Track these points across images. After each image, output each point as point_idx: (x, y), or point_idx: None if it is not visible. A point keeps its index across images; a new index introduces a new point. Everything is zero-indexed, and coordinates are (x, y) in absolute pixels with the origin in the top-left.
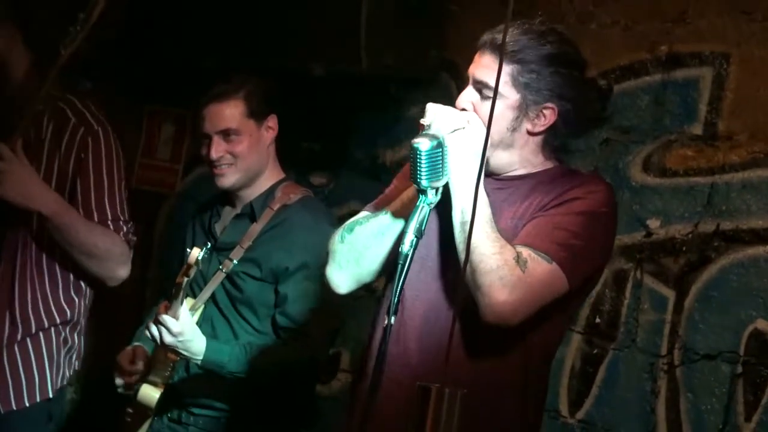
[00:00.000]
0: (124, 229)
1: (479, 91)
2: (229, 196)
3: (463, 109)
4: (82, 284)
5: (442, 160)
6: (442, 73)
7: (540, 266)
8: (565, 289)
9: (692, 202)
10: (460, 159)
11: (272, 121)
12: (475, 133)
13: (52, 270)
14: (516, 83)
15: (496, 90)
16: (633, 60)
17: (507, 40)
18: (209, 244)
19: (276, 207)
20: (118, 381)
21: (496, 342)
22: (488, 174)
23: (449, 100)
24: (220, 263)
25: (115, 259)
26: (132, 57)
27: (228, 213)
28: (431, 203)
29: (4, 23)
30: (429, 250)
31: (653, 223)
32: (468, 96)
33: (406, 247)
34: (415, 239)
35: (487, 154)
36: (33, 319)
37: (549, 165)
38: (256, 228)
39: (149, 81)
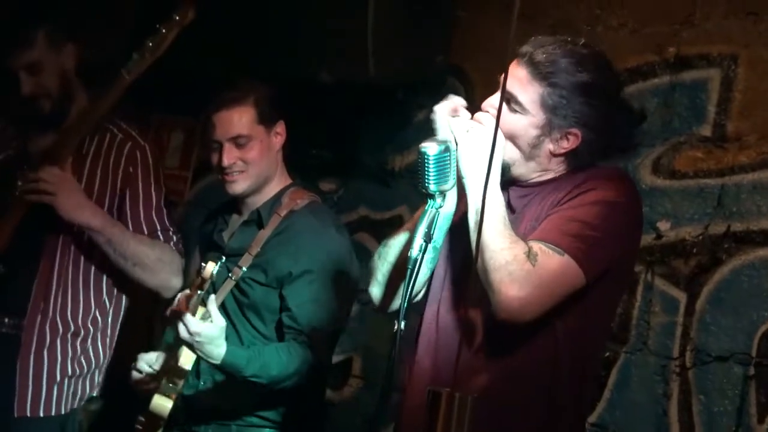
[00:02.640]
0: (174, 239)
1: (507, 101)
2: (236, 204)
3: (486, 113)
4: (115, 291)
5: (450, 164)
6: (449, 78)
7: (551, 259)
8: (581, 281)
9: (702, 203)
10: (473, 160)
11: (280, 127)
12: (489, 134)
13: (87, 273)
14: (544, 104)
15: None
16: (641, 62)
17: (543, 59)
18: (223, 258)
19: (283, 213)
20: (135, 375)
21: (524, 346)
22: (511, 182)
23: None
24: (229, 271)
25: (167, 269)
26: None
27: (235, 220)
28: (440, 207)
29: (66, 44)
30: (460, 259)
31: (663, 226)
32: (494, 101)
33: (414, 251)
34: (424, 243)
35: (509, 163)
36: (68, 321)
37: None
38: (264, 234)
39: (157, 89)
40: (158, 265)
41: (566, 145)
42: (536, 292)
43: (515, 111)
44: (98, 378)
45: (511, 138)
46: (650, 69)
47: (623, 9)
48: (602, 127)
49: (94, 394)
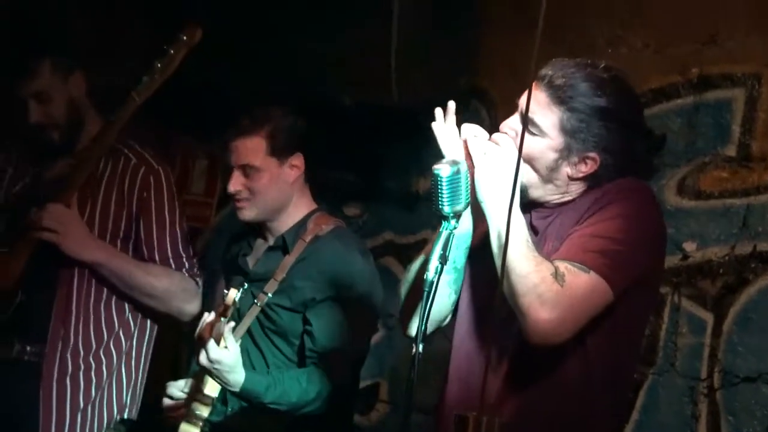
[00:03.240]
0: (187, 265)
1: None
2: (260, 229)
3: (503, 134)
4: (140, 315)
5: (463, 185)
6: (472, 100)
7: (578, 278)
8: (609, 296)
9: (728, 224)
10: (492, 183)
11: (297, 160)
12: (507, 155)
13: (108, 297)
14: (563, 128)
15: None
16: (664, 83)
17: (563, 83)
18: (246, 284)
19: (308, 238)
20: (166, 402)
21: (554, 368)
22: (533, 204)
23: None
24: (254, 296)
25: (177, 297)
26: (165, 90)
27: (260, 245)
28: (454, 229)
29: (72, 73)
30: (485, 283)
31: (689, 246)
32: (512, 124)
33: (430, 274)
34: (440, 265)
35: (527, 185)
36: (90, 347)
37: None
38: (289, 260)
39: (183, 114)
40: (167, 294)
41: (584, 169)
42: (567, 313)
43: (533, 134)
44: (127, 400)
45: (529, 161)
46: (673, 89)
47: (646, 29)
48: (620, 151)
49: (125, 417)
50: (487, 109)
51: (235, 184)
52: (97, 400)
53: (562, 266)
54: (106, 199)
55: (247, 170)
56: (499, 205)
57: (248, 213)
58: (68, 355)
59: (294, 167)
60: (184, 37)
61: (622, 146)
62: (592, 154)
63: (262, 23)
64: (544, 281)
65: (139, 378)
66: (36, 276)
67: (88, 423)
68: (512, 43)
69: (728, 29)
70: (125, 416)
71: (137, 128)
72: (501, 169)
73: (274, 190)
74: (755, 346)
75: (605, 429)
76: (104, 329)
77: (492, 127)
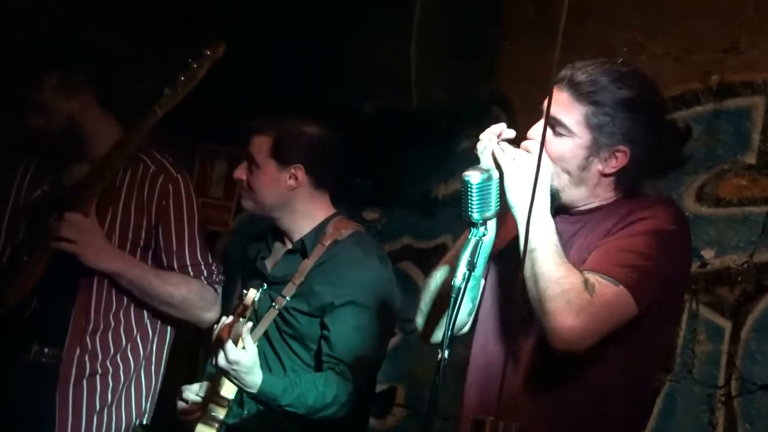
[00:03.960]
0: (205, 273)
1: (552, 127)
2: (279, 232)
3: (531, 140)
4: (159, 320)
5: (492, 192)
6: (492, 106)
7: (607, 289)
8: (634, 311)
9: (747, 231)
10: (522, 189)
11: (298, 172)
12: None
13: (128, 302)
14: (589, 124)
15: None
16: (685, 90)
17: (584, 79)
18: (265, 285)
19: (327, 243)
20: (181, 405)
21: (575, 375)
22: (559, 210)
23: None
24: (272, 299)
25: (195, 305)
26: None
27: (279, 248)
28: (483, 236)
29: (78, 89)
30: (506, 289)
31: (708, 254)
32: (540, 129)
33: (458, 280)
34: (468, 272)
35: (558, 188)
36: (108, 351)
37: (623, 196)
38: (308, 264)
39: (202, 119)
40: (185, 303)
41: (615, 163)
42: (593, 322)
43: (561, 134)
44: (146, 406)
45: (560, 162)
46: (694, 97)
47: (667, 37)
48: (649, 141)
49: (144, 422)
50: (508, 115)
51: (239, 172)
52: (114, 404)
53: (592, 277)
54: (126, 207)
55: (250, 164)
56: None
57: (247, 203)
58: (86, 359)
59: (293, 177)
60: (208, 52)
61: (650, 137)
62: (621, 147)
63: (284, 33)
64: (573, 288)
65: (159, 383)
66: (56, 280)
67: (104, 427)
68: (532, 49)
69: (749, 37)
70: (144, 422)
71: (156, 133)
72: (531, 175)
73: (270, 192)
74: None
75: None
76: (122, 334)
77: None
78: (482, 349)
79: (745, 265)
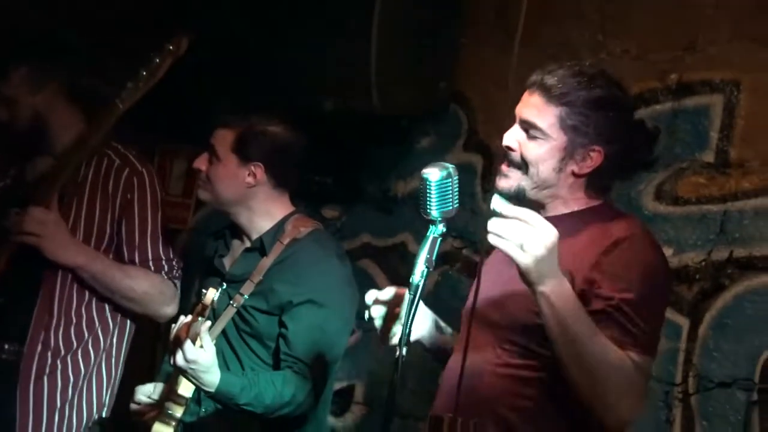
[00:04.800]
0: (166, 268)
1: (526, 130)
2: (237, 230)
3: (509, 147)
4: (119, 315)
5: (452, 189)
6: (452, 106)
7: (642, 364)
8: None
9: (705, 229)
10: (544, 270)
11: (258, 170)
12: (544, 233)
13: (90, 297)
14: (563, 125)
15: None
16: (643, 89)
17: (555, 82)
18: (223, 283)
19: (286, 241)
20: (133, 407)
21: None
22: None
23: (459, 132)
24: (231, 298)
25: (155, 300)
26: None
27: (237, 247)
28: (442, 233)
29: (46, 84)
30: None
31: (666, 252)
32: (514, 134)
33: (416, 278)
34: (426, 270)
35: (529, 193)
36: (70, 346)
37: (592, 203)
38: (266, 262)
39: (161, 117)
40: (146, 297)
41: (590, 163)
42: (642, 398)
43: (535, 138)
44: (105, 399)
45: (536, 165)
46: (652, 95)
47: (626, 35)
48: (623, 140)
49: (103, 415)
50: (466, 114)
51: (199, 162)
52: (75, 398)
53: (633, 355)
54: (91, 202)
55: (211, 156)
56: (556, 291)
57: (203, 195)
58: (48, 355)
59: (252, 174)
60: (170, 47)
61: (623, 136)
62: (596, 147)
63: (246, 33)
64: (629, 376)
65: (118, 376)
66: (18, 276)
67: (66, 421)
68: (492, 49)
69: (708, 36)
70: (103, 414)
71: (116, 129)
72: (546, 253)
73: (228, 186)
74: (730, 352)
75: None
76: (84, 329)
77: (470, 132)
78: (460, 352)
79: (703, 263)
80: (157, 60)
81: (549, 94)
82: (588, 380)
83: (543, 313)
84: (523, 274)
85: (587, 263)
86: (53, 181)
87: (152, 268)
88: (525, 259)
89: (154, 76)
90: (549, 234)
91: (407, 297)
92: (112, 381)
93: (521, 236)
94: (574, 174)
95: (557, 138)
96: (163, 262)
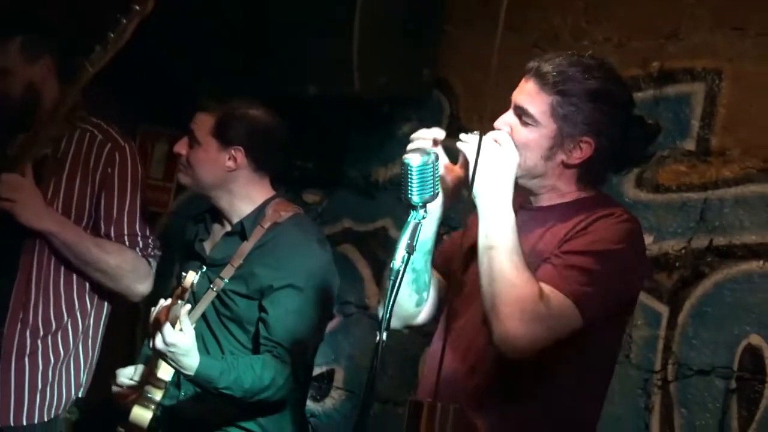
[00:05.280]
0: (141, 244)
1: (519, 116)
2: (218, 214)
3: (500, 131)
4: (96, 295)
5: (434, 175)
6: (435, 92)
7: (560, 305)
8: (579, 324)
9: (685, 217)
10: (489, 180)
11: (238, 154)
12: (504, 153)
13: (68, 276)
14: (555, 114)
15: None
16: (625, 76)
17: (551, 69)
18: (204, 267)
19: (267, 225)
20: (115, 389)
21: (526, 371)
22: (520, 204)
23: (442, 118)
24: (211, 281)
25: (128, 275)
26: (127, 75)
27: (218, 231)
28: (423, 218)
29: (40, 56)
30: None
31: (646, 239)
32: (507, 119)
33: (397, 263)
34: (407, 255)
35: (518, 177)
36: (49, 326)
37: (582, 195)
38: (247, 246)
39: (143, 100)
40: (118, 272)
41: (579, 154)
42: (541, 333)
43: (527, 124)
44: (83, 379)
45: (524, 151)
46: (634, 83)
47: (609, 23)
48: (614, 134)
49: (80, 395)
50: (449, 100)
51: (179, 146)
52: (56, 379)
53: (547, 289)
54: (71, 176)
55: (191, 140)
56: (491, 206)
57: (183, 178)
58: (27, 334)
59: (232, 158)
60: (137, 7)
61: (616, 130)
62: (586, 138)
63: (228, 17)
64: (531, 298)
65: (95, 357)
66: None
67: (47, 402)
68: (475, 35)
69: (690, 24)
70: (80, 395)
71: (99, 112)
72: (499, 167)
73: (208, 170)
74: (709, 340)
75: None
76: (64, 309)
77: (453, 119)
78: (440, 339)
79: (683, 251)
80: (124, 21)
81: (543, 81)
82: (489, 289)
83: (480, 220)
84: (474, 181)
85: (559, 243)
86: (27, 149)
87: (127, 243)
88: (482, 161)
89: (122, 38)
90: (510, 155)
91: (388, 282)
92: (89, 362)
93: (488, 145)
94: (563, 164)
95: (547, 126)
96: (139, 239)
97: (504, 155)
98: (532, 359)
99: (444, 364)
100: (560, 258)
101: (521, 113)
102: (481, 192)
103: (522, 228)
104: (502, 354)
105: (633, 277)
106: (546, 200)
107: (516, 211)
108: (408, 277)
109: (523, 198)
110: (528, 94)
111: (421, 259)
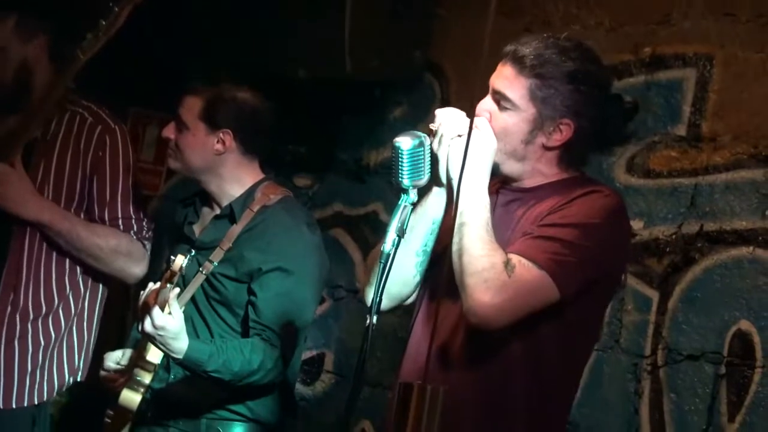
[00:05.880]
0: (135, 228)
1: (497, 101)
2: (207, 197)
3: (481, 118)
4: (90, 278)
5: (424, 159)
6: (426, 75)
7: (528, 272)
8: (555, 296)
9: (676, 203)
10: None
11: (227, 137)
12: (481, 138)
13: (60, 259)
14: (533, 97)
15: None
16: (617, 61)
17: (528, 53)
18: (193, 251)
19: (256, 208)
20: (103, 374)
21: (500, 351)
22: (499, 184)
23: (433, 102)
24: (200, 265)
25: (122, 258)
26: (117, 59)
27: (207, 214)
28: (414, 202)
29: (35, 35)
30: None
31: (637, 224)
32: (486, 105)
33: (387, 246)
34: (397, 238)
35: (499, 162)
36: (40, 309)
37: (564, 176)
38: (236, 230)
39: (134, 83)
40: (112, 256)
41: (559, 137)
42: (509, 302)
43: (505, 108)
44: (80, 364)
45: (504, 136)
46: (626, 68)
47: (600, 8)
48: (594, 115)
49: (78, 380)
50: (440, 84)
51: (167, 131)
52: (47, 363)
53: (515, 258)
54: (61, 159)
55: (179, 124)
56: (467, 186)
57: (172, 163)
58: (17, 318)
59: (221, 142)
60: None
61: (595, 111)
62: (565, 120)
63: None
64: (494, 267)
65: (91, 341)
66: None
67: (37, 386)
68: (467, 19)
69: (682, 9)
70: (78, 379)
71: (89, 94)
72: (477, 152)
73: (197, 154)
74: (699, 325)
75: (550, 411)
76: (54, 293)
77: (444, 103)
78: (420, 320)
79: (674, 237)
80: (116, 9)
81: (521, 65)
82: (458, 263)
83: (455, 202)
84: (450, 164)
85: (539, 219)
86: (17, 136)
87: (121, 227)
88: (458, 144)
89: (114, 26)
90: (487, 138)
91: (377, 265)
92: (85, 346)
93: (464, 128)
94: (544, 147)
95: (526, 109)
96: (133, 222)
97: (481, 140)
98: (506, 333)
99: (417, 340)
100: (537, 230)
101: (500, 98)
102: (457, 175)
103: (504, 208)
104: (474, 327)
105: (610, 251)
106: (529, 182)
107: (495, 193)
108: (417, 260)
109: (500, 182)
110: (506, 78)
111: (432, 240)
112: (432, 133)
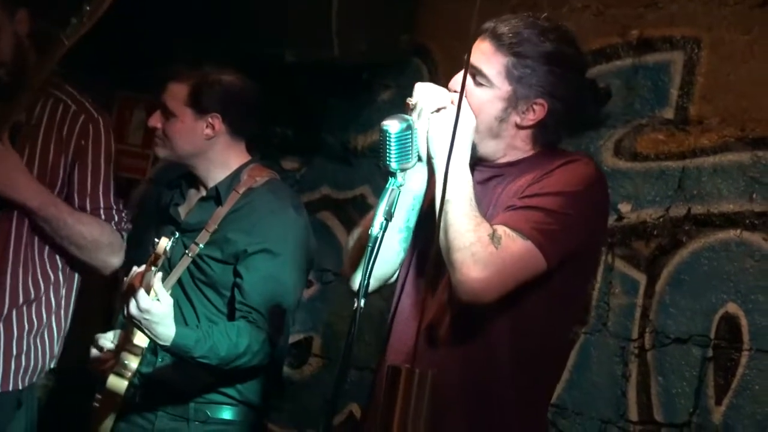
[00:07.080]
0: (116, 218)
1: (473, 76)
2: (193, 179)
3: (455, 92)
4: (69, 269)
5: (412, 142)
6: (413, 58)
7: (514, 243)
8: (542, 266)
9: (663, 186)
10: (443, 139)
11: (215, 120)
12: (461, 114)
13: (42, 249)
14: (509, 75)
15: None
16: (604, 44)
17: (506, 30)
18: (177, 233)
19: (242, 190)
20: (94, 353)
21: (485, 329)
22: (476, 161)
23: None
24: (186, 247)
25: (104, 248)
26: (105, 42)
27: (193, 196)
28: (401, 185)
29: (20, 11)
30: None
31: (624, 207)
32: (460, 80)
33: (375, 229)
34: (385, 222)
35: (475, 141)
36: (29, 293)
37: (540, 150)
38: (222, 211)
39: (121, 67)
40: (94, 245)
41: (532, 116)
42: (497, 275)
43: (481, 84)
44: (57, 350)
45: (478, 113)
46: (613, 51)
47: None
48: (568, 97)
49: (53, 366)
50: (428, 67)
51: (153, 120)
52: (32, 348)
53: (501, 230)
54: (44, 146)
55: (166, 112)
56: (451, 165)
57: (160, 151)
58: (5, 301)
59: (210, 126)
60: None
61: (569, 92)
62: (539, 100)
63: None
64: (480, 241)
65: (67, 327)
66: None
67: (21, 370)
68: (455, 2)
69: None
70: (53, 365)
71: (74, 77)
72: (452, 126)
73: (186, 140)
74: (687, 308)
75: (535, 390)
76: (40, 278)
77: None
78: (402, 301)
79: (661, 220)
80: None
81: (499, 42)
82: (444, 240)
83: (437, 180)
84: (428, 141)
85: (520, 191)
86: (2, 119)
87: (103, 216)
88: (435, 120)
89: (98, 11)
90: (464, 114)
91: (367, 249)
92: (62, 332)
93: (442, 105)
94: (517, 125)
95: (501, 87)
96: (114, 212)
97: (461, 117)
98: (493, 310)
99: (404, 319)
100: (519, 202)
101: (475, 73)
102: (438, 151)
103: (482, 185)
104: (463, 303)
105: (593, 218)
106: (505, 159)
107: (474, 169)
108: (401, 236)
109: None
110: (483, 53)
111: (415, 216)
112: (410, 108)
